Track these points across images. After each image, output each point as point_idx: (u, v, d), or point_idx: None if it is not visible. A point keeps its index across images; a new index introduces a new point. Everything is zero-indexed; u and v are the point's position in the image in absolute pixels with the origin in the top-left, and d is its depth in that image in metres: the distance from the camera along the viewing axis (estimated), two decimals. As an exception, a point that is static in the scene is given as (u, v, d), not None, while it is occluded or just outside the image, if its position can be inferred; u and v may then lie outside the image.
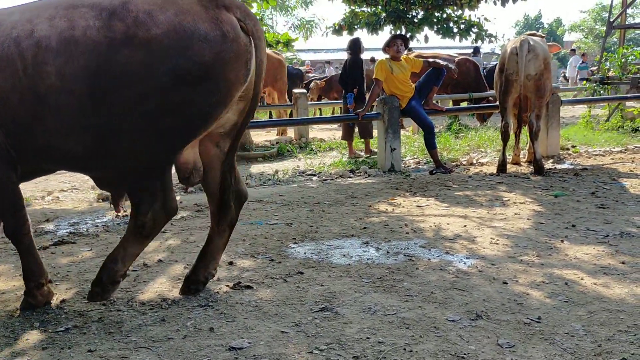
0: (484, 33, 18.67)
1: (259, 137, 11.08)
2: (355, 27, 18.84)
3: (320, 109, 16.24)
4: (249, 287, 3.14)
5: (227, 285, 3.15)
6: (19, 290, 3.17)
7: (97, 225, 4.62)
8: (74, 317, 2.78)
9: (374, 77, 7.00)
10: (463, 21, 18.75)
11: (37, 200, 5.85)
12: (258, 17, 15.62)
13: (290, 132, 11.17)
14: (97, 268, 3.47)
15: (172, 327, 2.65)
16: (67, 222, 4.77)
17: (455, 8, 18.45)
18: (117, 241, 4.08)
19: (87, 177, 7.21)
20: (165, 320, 2.72)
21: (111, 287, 2.81)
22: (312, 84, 15.61)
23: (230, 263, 3.54)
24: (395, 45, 6.89)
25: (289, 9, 32.15)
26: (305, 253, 3.73)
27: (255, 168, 7.68)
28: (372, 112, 7.26)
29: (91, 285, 2.83)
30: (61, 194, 6.20)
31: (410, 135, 10.25)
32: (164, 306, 2.90)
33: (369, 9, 18.63)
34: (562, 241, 3.86)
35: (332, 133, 11.83)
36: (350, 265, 3.46)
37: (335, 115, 15.25)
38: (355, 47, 8.57)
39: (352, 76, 8.48)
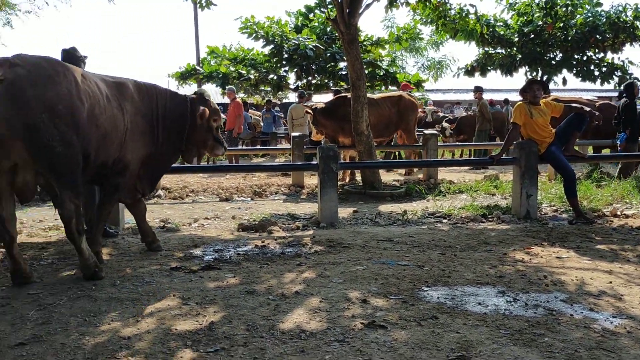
0: (628, 77, 17.58)
1: (388, 176, 11.17)
2: (489, 68, 18.59)
3: (452, 151, 16.07)
4: (383, 326, 3.18)
5: (362, 323, 3.22)
6: (173, 309, 3.47)
7: (238, 254, 4.93)
8: (222, 340, 2.99)
9: (512, 120, 6.85)
10: (605, 64, 17.84)
11: (185, 227, 6.37)
12: (390, 59, 15.82)
13: (418, 172, 11.17)
14: (241, 294, 3.73)
15: (311, 358, 2.76)
16: (212, 249, 5.13)
17: (596, 50, 17.60)
18: (258, 270, 4.36)
19: (227, 207, 7.79)
20: (304, 352, 2.84)
21: None
22: (444, 124, 15.53)
23: (364, 301, 3.61)
24: (532, 90, 6.70)
25: (420, 49, 32.26)
26: (438, 297, 3.71)
27: (384, 207, 7.75)
28: (508, 157, 7.08)
29: None
30: (205, 222, 6.69)
31: (546, 181, 9.80)
32: (302, 337, 3.03)
33: (503, 51, 18.29)
34: None
35: (461, 175, 11.64)
36: (487, 315, 3.39)
37: (465, 158, 15.02)
38: (630, 91, 9.49)
39: (626, 118, 9.31)
